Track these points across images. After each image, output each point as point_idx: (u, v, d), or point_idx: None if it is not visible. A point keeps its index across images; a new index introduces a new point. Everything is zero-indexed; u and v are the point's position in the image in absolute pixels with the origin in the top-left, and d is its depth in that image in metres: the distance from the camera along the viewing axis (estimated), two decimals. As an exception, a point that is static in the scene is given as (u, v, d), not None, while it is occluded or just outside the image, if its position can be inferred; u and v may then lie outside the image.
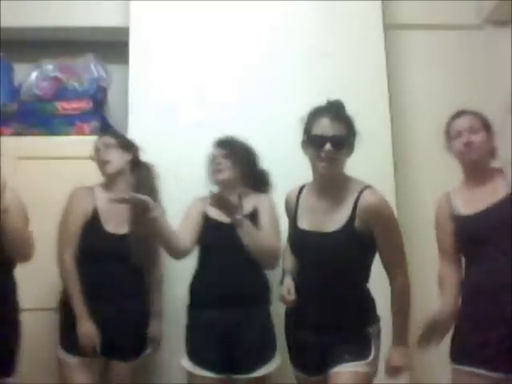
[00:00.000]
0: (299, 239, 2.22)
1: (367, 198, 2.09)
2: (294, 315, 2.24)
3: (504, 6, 3.33)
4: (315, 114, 2.16)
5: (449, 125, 2.38)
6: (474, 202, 2.27)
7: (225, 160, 2.62)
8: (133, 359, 2.56)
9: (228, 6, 3.26)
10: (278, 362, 2.51)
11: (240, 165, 2.64)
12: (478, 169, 2.31)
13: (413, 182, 3.26)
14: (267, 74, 3.25)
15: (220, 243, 2.54)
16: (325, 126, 2.09)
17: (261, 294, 2.58)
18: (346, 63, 3.26)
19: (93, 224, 2.55)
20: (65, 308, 2.50)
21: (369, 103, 3.18)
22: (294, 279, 2.25)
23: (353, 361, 2.06)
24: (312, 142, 2.12)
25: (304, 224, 2.19)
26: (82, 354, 2.42)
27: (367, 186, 2.13)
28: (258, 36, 3.28)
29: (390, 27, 3.39)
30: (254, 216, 2.55)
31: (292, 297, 2.19)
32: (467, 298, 2.24)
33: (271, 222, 2.56)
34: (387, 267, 2.13)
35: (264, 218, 2.56)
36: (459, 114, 2.37)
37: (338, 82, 3.20)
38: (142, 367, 2.68)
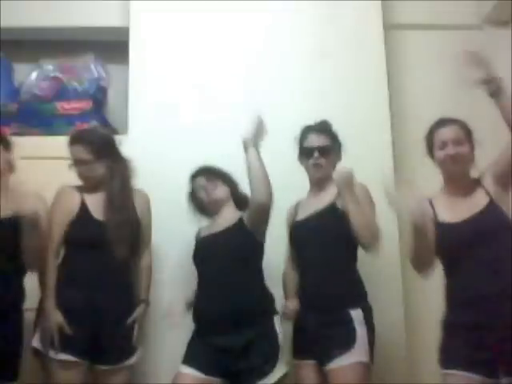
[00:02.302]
0: (295, 228, 2.61)
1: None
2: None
3: (504, 6, 3.33)
4: (304, 132, 2.63)
5: (432, 132, 2.35)
6: (456, 210, 2.27)
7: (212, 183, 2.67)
8: (120, 362, 2.47)
9: (228, 5, 3.26)
10: (281, 373, 2.41)
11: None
12: (460, 179, 2.31)
13: (413, 182, 3.26)
14: (267, 74, 3.24)
15: (214, 253, 2.53)
16: (312, 140, 2.59)
17: (263, 305, 2.51)
18: (346, 63, 3.26)
19: (82, 215, 2.52)
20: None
21: (369, 103, 3.18)
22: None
23: (339, 354, 2.29)
24: (304, 153, 2.61)
25: (299, 217, 2.61)
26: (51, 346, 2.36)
27: None
28: (258, 36, 3.28)
29: (390, 27, 3.39)
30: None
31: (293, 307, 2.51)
32: (453, 308, 2.25)
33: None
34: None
35: None
36: (444, 122, 2.33)
37: (338, 82, 3.21)
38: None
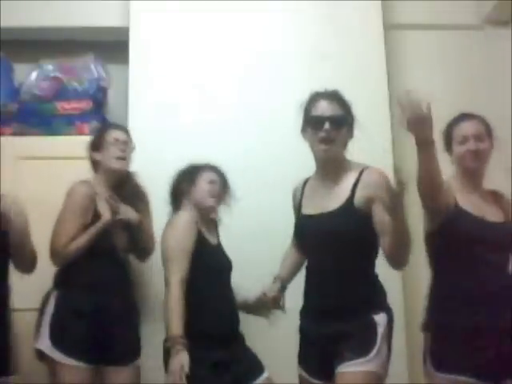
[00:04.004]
0: (302, 225, 2.24)
1: (370, 175, 2.11)
2: (303, 305, 2.22)
3: (504, 6, 3.34)
4: (313, 99, 2.18)
5: (452, 127, 2.28)
6: (477, 204, 2.20)
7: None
8: (131, 362, 2.51)
9: (228, 5, 3.26)
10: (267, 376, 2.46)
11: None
12: (476, 176, 2.26)
13: (413, 181, 3.26)
14: (267, 74, 3.25)
15: (219, 265, 2.52)
16: (323, 107, 2.13)
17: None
18: (346, 63, 3.26)
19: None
20: (58, 304, 2.44)
21: (369, 103, 3.18)
22: (282, 287, 2.36)
23: (353, 358, 1.98)
24: (311, 123, 2.14)
25: (308, 209, 2.21)
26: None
27: (368, 166, 2.16)
28: (258, 36, 3.29)
29: (390, 27, 3.39)
30: None
31: (272, 294, 2.33)
32: (442, 308, 2.18)
33: None
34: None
35: None
36: (464, 117, 2.27)
37: (338, 82, 3.18)
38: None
